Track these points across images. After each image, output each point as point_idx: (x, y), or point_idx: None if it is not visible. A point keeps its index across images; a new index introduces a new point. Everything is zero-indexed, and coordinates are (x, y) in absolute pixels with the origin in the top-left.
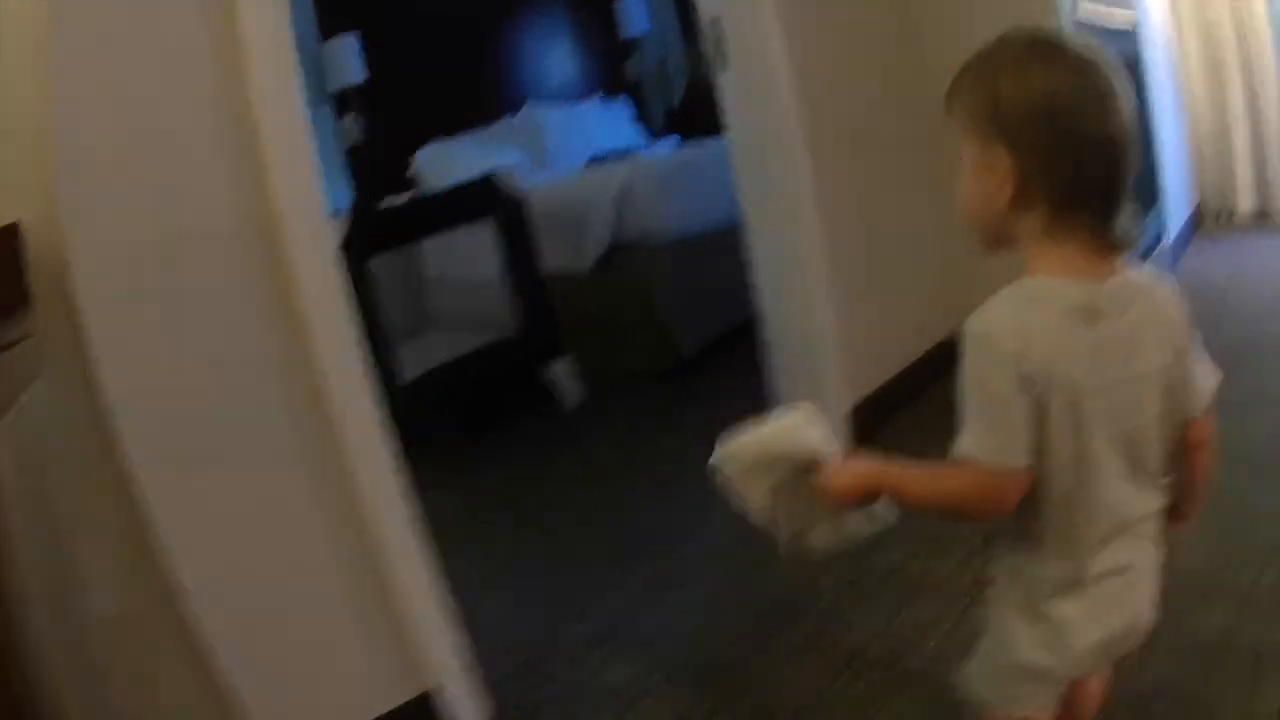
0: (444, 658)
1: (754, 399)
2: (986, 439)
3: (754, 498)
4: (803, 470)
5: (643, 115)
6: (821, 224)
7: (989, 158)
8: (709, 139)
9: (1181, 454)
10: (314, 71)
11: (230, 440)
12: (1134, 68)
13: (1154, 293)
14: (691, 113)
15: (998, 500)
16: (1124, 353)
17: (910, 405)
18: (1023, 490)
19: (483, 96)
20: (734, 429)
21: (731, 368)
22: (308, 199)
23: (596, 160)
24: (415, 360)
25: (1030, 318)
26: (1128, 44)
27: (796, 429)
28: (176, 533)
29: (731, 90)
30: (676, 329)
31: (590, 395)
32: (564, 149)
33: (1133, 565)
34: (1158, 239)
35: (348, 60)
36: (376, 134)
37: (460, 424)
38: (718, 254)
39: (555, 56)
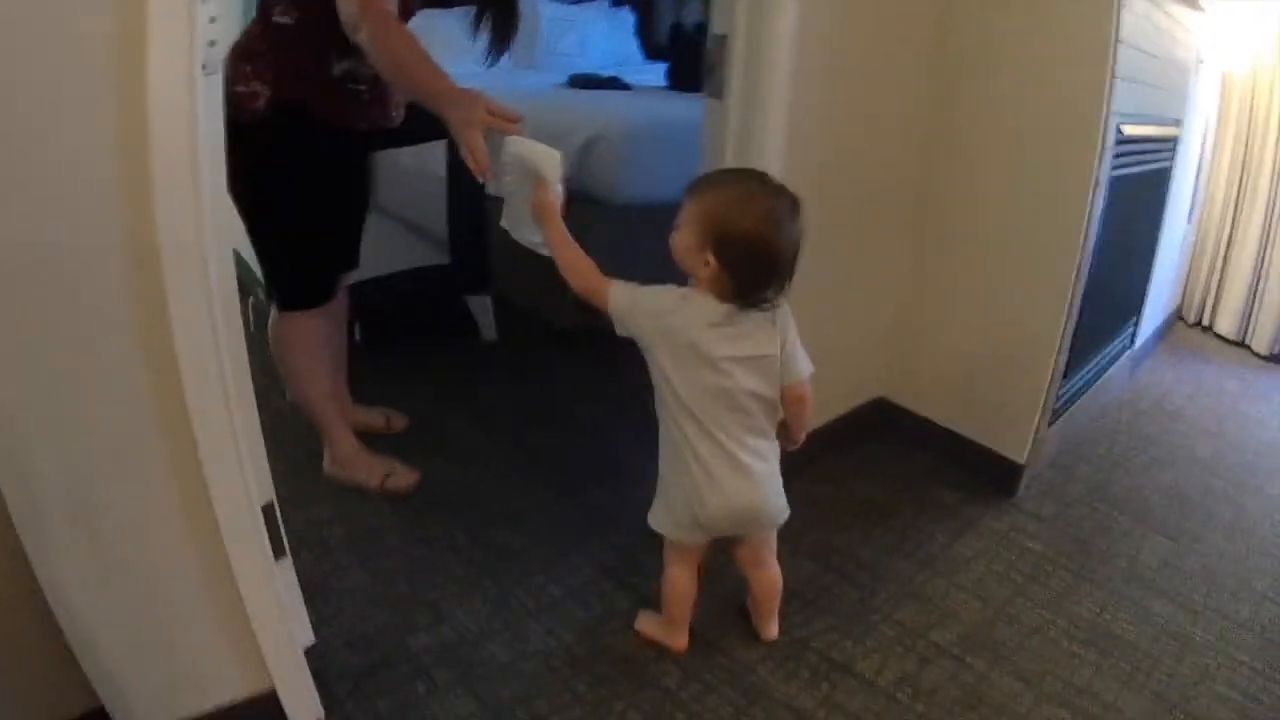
0: (280, 658)
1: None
2: (623, 288)
3: (507, 180)
4: (535, 183)
5: (645, 29)
6: None
7: (703, 250)
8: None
9: (789, 406)
10: None
11: None
12: (1162, 179)
13: (771, 316)
14: (695, 46)
15: (590, 290)
16: (745, 340)
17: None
18: (600, 304)
19: None
20: None
21: None
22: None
23: (579, 80)
24: None
25: (684, 306)
26: (1162, 156)
27: (553, 159)
28: None
29: (715, 117)
30: None
31: (503, 338)
32: (555, 53)
33: (752, 467)
34: (1126, 346)
35: None
36: None
37: (366, 339)
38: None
39: None
